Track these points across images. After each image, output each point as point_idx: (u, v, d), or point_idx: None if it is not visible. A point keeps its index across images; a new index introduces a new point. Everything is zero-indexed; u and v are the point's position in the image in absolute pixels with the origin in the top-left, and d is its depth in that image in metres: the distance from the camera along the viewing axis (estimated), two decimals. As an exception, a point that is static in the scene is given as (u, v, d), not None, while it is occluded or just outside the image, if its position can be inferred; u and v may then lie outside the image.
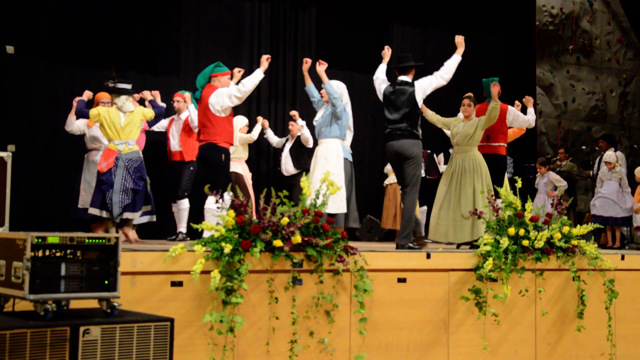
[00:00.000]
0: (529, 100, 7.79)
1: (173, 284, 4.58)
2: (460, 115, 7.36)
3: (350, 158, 7.19)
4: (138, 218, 6.73)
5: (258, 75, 6.60)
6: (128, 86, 6.78)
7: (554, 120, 13.04)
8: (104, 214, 6.53)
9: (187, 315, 4.57)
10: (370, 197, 10.29)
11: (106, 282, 3.52)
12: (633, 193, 9.72)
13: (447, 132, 7.62)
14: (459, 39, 6.84)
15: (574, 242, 5.99)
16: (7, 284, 3.46)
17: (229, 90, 6.59)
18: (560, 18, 13.09)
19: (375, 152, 10.64)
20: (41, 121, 8.67)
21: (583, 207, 12.16)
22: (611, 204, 9.58)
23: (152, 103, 7.34)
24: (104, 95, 7.32)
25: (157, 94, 7.71)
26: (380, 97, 6.91)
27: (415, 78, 6.83)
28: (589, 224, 6.24)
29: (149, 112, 6.95)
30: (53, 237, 3.39)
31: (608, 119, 13.53)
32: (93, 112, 6.73)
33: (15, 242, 3.40)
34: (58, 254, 3.44)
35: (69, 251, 3.47)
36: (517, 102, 7.84)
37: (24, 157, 7.59)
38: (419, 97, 6.67)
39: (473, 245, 6.74)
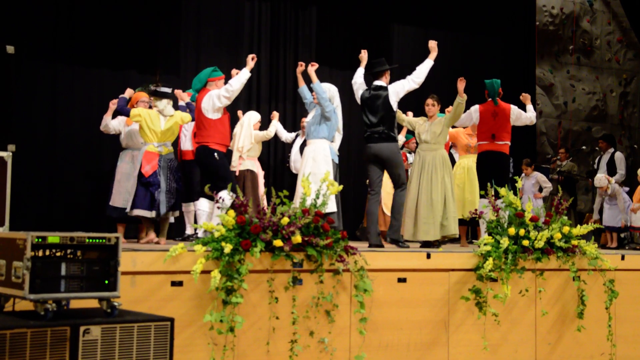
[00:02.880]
0: (526, 97, 7.77)
1: (173, 283, 4.58)
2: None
3: (336, 160, 7.28)
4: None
5: (244, 74, 6.61)
6: (169, 90, 6.84)
7: (554, 120, 13.04)
8: (154, 214, 6.63)
9: (187, 315, 4.57)
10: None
11: (106, 281, 3.52)
12: (633, 192, 9.70)
13: (401, 136, 7.72)
14: (432, 44, 7.02)
15: (574, 242, 5.99)
16: (7, 284, 3.46)
17: (218, 91, 6.62)
18: (560, 18, 13.08)
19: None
20: (41, 121, 8.67)
21: (583, 207, 12.16)
22: (618, 214, 9.59)
23: (190, 106, 7.31)
24: (142, 95, 7.38)
25: (185, 95, 7.65)
26: (359, 101, 7.04)
27: (393, 80, 7.00)
28: (589, 224, 6.24)
29: (187, 117, 7.05)
30: (53, 237, 3.39)
31: (608, 119, 13.53)
32: (134, 111, 6.83)
33: (16, 241, 3.40)
34: (58, 254, 3.44)
35: (69, 251, 3.47)
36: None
37: (24, 157, 7.58)
38: (393, 100, 6.85)
39: (436, 243, 6.82)
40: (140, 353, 3.44)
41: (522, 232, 5.80)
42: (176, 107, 7.27)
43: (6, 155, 5.95)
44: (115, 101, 7.41)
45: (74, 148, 8.69)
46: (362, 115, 6.94)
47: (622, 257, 6.43)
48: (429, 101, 7.33)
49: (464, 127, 8.29)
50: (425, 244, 6.88)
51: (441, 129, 7.13)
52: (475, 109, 7.62)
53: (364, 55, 7.20)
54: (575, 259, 5.98)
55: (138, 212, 6.66)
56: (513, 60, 12.05)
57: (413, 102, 8.71)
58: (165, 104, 6.80)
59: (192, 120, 7.21)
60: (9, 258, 3.45)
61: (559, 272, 6.01)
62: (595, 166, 10.71)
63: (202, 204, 6.52)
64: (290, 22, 10.41)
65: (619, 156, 10.39)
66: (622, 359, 6.26)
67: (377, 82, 6.95)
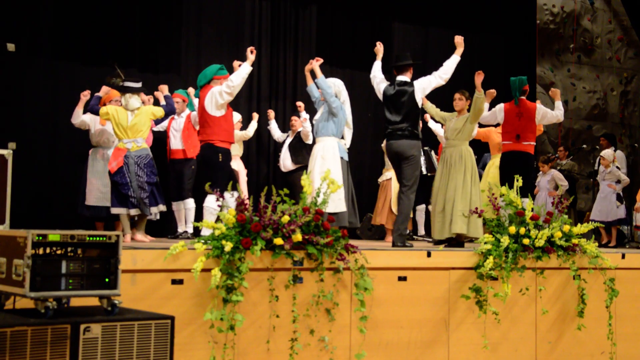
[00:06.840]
0: (555, 92, 7.65)
1: (174, 281, 4.58)
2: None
3: (346, 157, 7.20)
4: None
5: (245, 68, 6.58)
6: (132, 84, 6.75)
7: (555, 118, 13.02)
8: (132, 212, 6.58)
9: (187, 313, 4.57)
10: (372, 196, 10.28)
11: (107, 279, 3.52)
12: (635, 191, 9.69)
13: (436, 130, 7.62)
14: (458, 39, 6.84)
15: (575, 240, 5.99)
16: (8, 282, 3.46)
17: (220, 87, 6.60)
18: (561, 17, 13.07)
19: (376, 151, 10.62)
20: (42, 119, 8.66)
21: (584, 206, 12.15)
22: (608, 207, 9.55)
23: (167, 100, 7.17)
24: (115, 95, 7.31)
25: (164, 88, 7.54)
26: (380, 96, 6.89)
27: (414, 77, 6.83)
28: (589, 222, 6.25)
29: (159, 111, 6.88)
30: (54, 235, 3.38)
31: (609, 118, 13.52)
32: (103, 110, 6.76)
33: (16, 239, 3.40)
34: (59, 252, 3.44)
35: (69, 249, 3.48)
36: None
37: (24, 154, 7.58)
38: (419, 97, 6.70)
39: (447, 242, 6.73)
40: (141, 351, 3.44)
41: (522, 230, 5.80)
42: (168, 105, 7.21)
43: (7, 153, 5.94)
44: (86, 93, 7.30)
45: (76, 146, 8.68)
46: (384, 112, 6.72)
47: (623, 256, 6.43)
48: (456, 95, 7.06)
49: (495, 126, 8.18)
50: (440, 243, 6.75)
51: (463, 124, 6.89)
52: (500, 107, 7.50)
53: (379, 47, 6.95)
54: (575, 257, 5.99)
55: (115, 210, 6.63)
56: (513, 59, 12.03)
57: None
58: (127, 98, 6.67)
59: (165, 114, 7.07)
60: (10, 256, 3.45)
61: (560, 270, 6.01)
62: (596, 165, 10.70)
63: (210, 202, 6.48)
64: (290, 21, 10.41)
65: (620, 155, 10.40)
66: (623, 357, 6.27)
67: (401, 78, 6.72)
